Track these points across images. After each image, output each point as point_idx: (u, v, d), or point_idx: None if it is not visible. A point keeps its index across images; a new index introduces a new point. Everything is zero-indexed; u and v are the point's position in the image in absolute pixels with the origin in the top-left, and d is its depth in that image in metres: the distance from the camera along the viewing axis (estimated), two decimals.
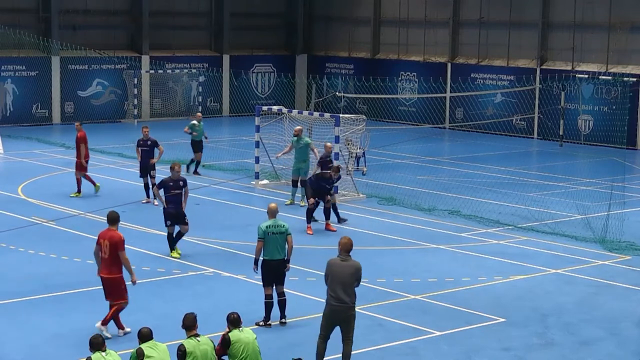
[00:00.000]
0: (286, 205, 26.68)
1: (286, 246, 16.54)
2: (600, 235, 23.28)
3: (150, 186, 26.43)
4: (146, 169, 26.55)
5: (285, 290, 16.90)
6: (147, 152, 26.51)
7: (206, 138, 30.93)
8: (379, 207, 25.20)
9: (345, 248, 14.23)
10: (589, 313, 17.80)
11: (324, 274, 14.41)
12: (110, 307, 15.82)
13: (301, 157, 26.70)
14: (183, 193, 21.10)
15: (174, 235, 21.06)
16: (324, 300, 17.55)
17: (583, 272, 20.57)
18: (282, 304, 16.68)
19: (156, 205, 26.33)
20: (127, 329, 15.87)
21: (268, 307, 16.47)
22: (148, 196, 26.56)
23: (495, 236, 23.65)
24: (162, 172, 28.50)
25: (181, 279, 19.43)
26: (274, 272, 16.52)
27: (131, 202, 26.23)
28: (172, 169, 21.21)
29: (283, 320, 16.66)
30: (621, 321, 17.32)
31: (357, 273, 14.23)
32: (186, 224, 20.96)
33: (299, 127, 27.34)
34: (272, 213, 16.65)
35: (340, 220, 24.48)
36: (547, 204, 27.04)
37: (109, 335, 15.68)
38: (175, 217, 20.92)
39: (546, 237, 23.48)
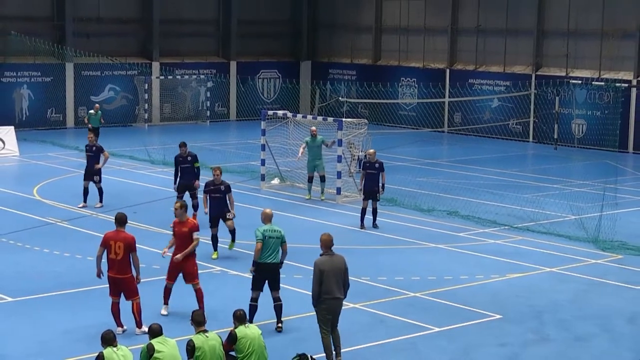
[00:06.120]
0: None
1: (280, 251, 16.14)
2: (593, 235, 23.41)
3: (97, 190, 26.32)
4: (90, 173, 26.40)
5: (289, 287, 17.19)
6: (92, 157, 26.43)
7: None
8: (380, 207, 24.98)
9: (328, 244, 14.45)
10: (583, 310, 17.89)
11: (313, 275, 14.34)
12: (133, 307, 15.87)
13: (317, 155, 27.65)
14: (227, 200, 20.97)
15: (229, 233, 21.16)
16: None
17: (577, 270, 20.72)
18: (279, 309, 16.25)
19: (81, 206, 26.09)
20: (125, 328, 15.96)
21: (252, 310, 16.05)
22: (85, 200, 26.45)
23: (492, 236, 23.80)
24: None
25: None
26: (266, 276, 16.11)
27: (141, 203, 26.44)
28: (213, 172, 21.15)
29: (279, 325, 16.25)
30: (614, 318, 17.41)
31: (346, 264, 14.50)
32: (228, 219, 20.86)
33: (314, 128, 28.10)
34: (268, 218, 16.28)
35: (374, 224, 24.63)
36: (542, 205, 27.06)
37: (125, 328, 15.86)
38: (216, 219, 20.94)
39: (541, 237, 23.62)
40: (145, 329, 15.14)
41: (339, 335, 14.63)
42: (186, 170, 24.06)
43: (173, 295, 17.31)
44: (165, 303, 17.16)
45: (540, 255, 21.97)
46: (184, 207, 17.15)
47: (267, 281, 16.22)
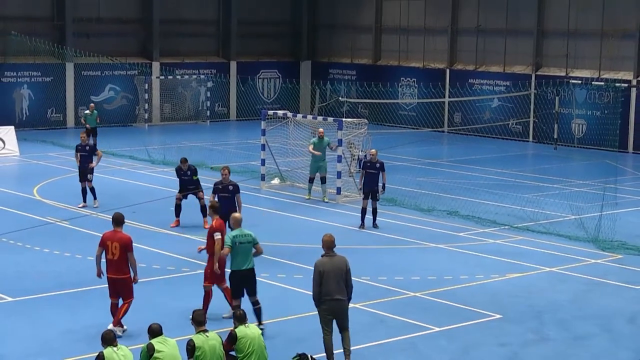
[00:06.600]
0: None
1: (253, 251, 15.88)
2: (593, 234, 23.48)
3: (89, 189, 26.43)
4: (84, 173, 26.36)
5: (289, 287, 17.11)
6: (85, 157, 26.34)
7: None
8: (380, 207, 24.97)
9: (329, 245, 14.34)
10: (583, 310, 17.95)
11: (313, 275, 14.31)
12: (122, 305, 15.82)
13: (321, 157, 27.72)
14: (235, 200, 20.92)
15: None
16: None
17: (576, 270, 20.78)
18: (258, 312, 16.04)
19: (81, 206, 26.19)
20: (125, 328, 15.92)
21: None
22: (84, 200, 26.52)
23: (492, 236, 23.84)
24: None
25: (190, 277, 19.32)
26: (243, 282, 15.88)
27: (141, 202, 26.33)
28: (221, 172, 21.34)
29: (261, 326, 15.71)
30: (613, 318, 17.49)
31: (347, 265, 14.38)
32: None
33: (322, 130, 28.15)
34: (237, 223, 16.00)
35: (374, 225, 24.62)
36: (541, 204, 27.16)
37: (125, 328, 15.82)
38: (224, 219, 20.37)
39: (541, 237, 23.67)
40: (117, 329, 15.49)
41: (348, 338, 14.55)
42: (185, 181, 24.55)
43: (174, 295, 17.42)
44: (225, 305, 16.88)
45: (540, 255, 22.03)
46: (212, 207, 17.18)
47: (244, 288, 15.99)
